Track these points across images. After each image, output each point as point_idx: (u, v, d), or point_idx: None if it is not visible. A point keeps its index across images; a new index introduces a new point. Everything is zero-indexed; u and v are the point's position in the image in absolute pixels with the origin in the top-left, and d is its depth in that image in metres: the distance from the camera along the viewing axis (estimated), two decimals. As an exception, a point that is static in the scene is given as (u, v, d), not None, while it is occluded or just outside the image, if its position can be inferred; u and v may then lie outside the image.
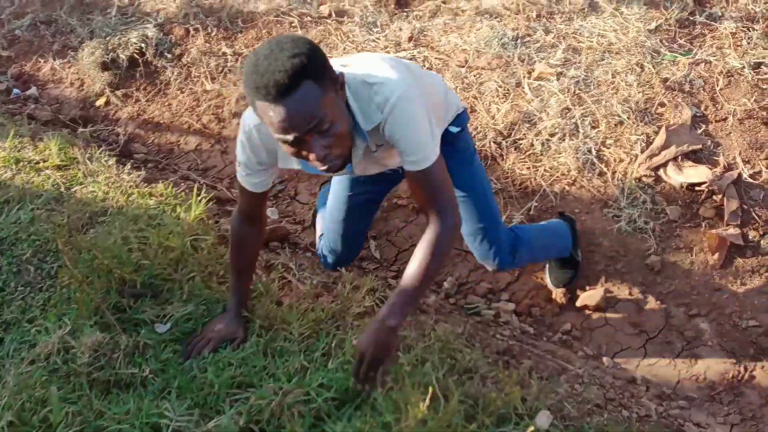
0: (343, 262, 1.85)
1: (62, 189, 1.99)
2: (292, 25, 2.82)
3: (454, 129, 1.57)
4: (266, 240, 1.93)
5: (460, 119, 1.59)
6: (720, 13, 2.59)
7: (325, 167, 1.20)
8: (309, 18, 2.85)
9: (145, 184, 2.09)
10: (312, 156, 1.17)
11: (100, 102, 2.77)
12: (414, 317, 1.67)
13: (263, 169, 1.37)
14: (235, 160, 1.38)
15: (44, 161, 2.13)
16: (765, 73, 2.35)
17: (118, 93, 2.75)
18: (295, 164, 1.35)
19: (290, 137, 1.13)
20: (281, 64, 1.07)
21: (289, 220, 2.27)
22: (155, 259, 1.65)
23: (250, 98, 1.14)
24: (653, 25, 2.55)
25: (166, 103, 2.70)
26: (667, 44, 2.49)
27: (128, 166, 2.21)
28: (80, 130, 2.59)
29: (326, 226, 1.82)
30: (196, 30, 2.83)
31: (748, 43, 2.44)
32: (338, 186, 1.72)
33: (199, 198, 1.91)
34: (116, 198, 1.95)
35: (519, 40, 2.58)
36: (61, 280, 1.60)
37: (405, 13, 2.85)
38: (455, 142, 1.57)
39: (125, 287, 1.59)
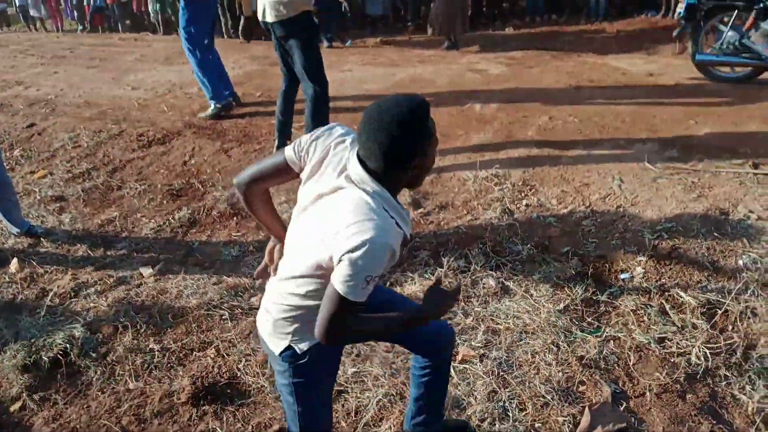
0: None
1: None
2: (223, 317, 2.89)
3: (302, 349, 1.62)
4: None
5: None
6: (619, 291, 2.85)
7: None
8: (239, 310, 2.95)
9: None
10: None
11: (15, 407, 2.62)
12: None
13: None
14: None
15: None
16: (670, 347, 2.51)
17: (36, 396, 2.62)
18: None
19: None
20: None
21: None
22: None
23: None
24: (561, 305, 2.76)
25: (85, 405, 2.57)
26: (576, 323, 2.67)
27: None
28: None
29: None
30: (125, 327, 2.85)
31: (649, 319, 2.64)
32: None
33: None
34: None
35: (441, 324, 2.71)
36: None
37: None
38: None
39: None
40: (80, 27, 11.00)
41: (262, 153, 4.36)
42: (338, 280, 1.38)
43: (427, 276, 3.04)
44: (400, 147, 1.41)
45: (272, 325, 1.65)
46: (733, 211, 3.25)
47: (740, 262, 2.90)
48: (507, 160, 3.99)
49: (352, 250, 1.34)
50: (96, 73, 6.47)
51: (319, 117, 3.92)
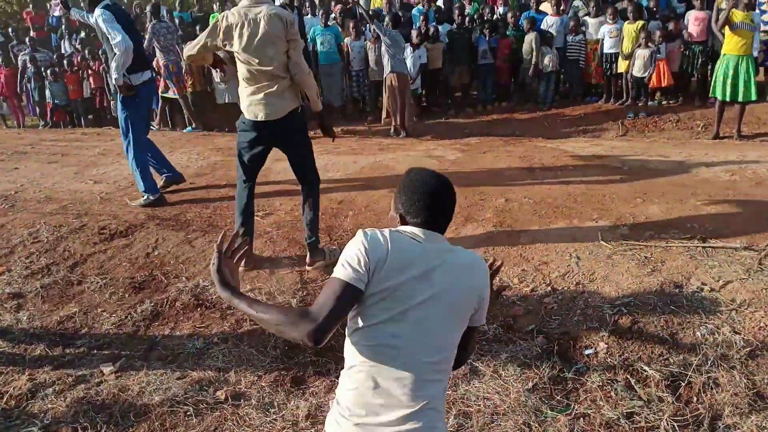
0: None
1: None
2: (187, 414, 2.80)
3: None
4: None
5: None
6: (585, 368, 2.89)
7: None
8: (204, 404, 2.87)
9: None
10: None
11: None
12: None
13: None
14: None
15: None
16: (639, 422, 2.54)
17: None
18: None
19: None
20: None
21: None
22: None
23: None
24: (530, 384, 2.78)
25: None
26: (546, 401, 2.69)
27: None
28: None
29: None
30: (84, 429, 2.73)
31: (616, 394, 2.68)
32: None
33: None
34: None
35: (412, 410, 2.69)
36: None
37: (301, 390, 2.95)
38: None
39: None
40: (42, 123, 11.05)
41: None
42: None
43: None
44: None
45: None
46: (687, 284, 3.38)
47: (698, 334, 3.00)
48: (468, 241, 4.10)
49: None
50: (58, 167, 6.47)
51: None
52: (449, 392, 2.79)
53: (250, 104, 3.73)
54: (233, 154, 6.48)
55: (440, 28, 9.09)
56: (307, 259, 3.98)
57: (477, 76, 9.25)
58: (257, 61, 3.61)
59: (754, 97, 6.83)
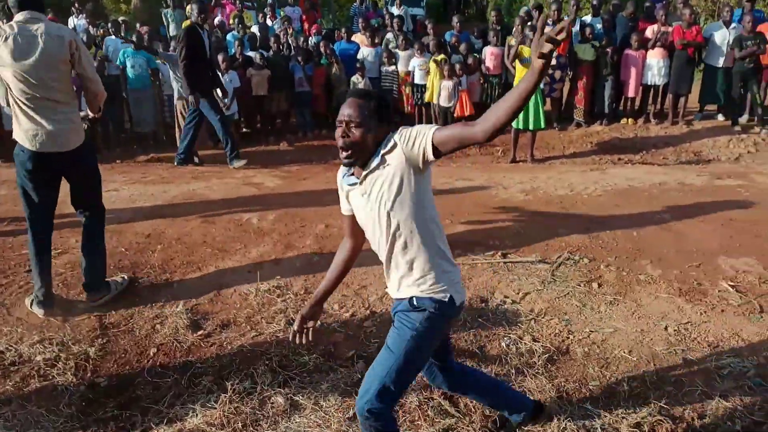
0: None
1: None
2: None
3: (423, 304, 2.11)
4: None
5: (433, 301, 2.10)
6: (404, 389, 2.93)
7: (340, 145, 2.08)
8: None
9: None
10: (337, 133, 2.09)
11: None
12: None
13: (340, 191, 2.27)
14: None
15: None
16: (457, 437, 2.61)
17: None
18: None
19: (339, 119, 2.08)
20: (366, 89, 2.27)
21: None
22: None
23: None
24: (351, 412, 2.74)
25: None
26: (367, 428, 2.66)
27: None
28: None
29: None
30: None
31: (433, 412, 2.74)
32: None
33: None
34: None
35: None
36: None
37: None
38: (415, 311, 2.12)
39: None
40: None
41: (7, 289, 3.80)
42: None
43: (210, 405, 2.82)
44: None
45: None
46: (491, 298, 3.62)
47: (503, 345, 3.20)
48: (288, 270, 4.01)
49: None
50: None
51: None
52: None
53: (29, 131, 3.33)
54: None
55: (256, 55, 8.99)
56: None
57: (295, 104, 9.28)
58: (35, 84, 3.23)
59: (543, 125, 7.66)
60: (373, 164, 2.05)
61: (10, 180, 6.07)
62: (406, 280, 2.13)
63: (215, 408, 2.79)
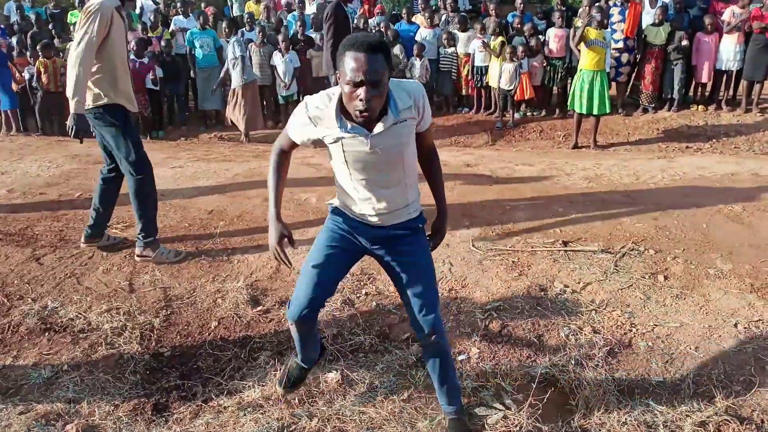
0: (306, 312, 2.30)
1: None
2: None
3: (421, 223, 2.41)
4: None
5: (424, 218, 2.43)
6: (459, 374, 2.91)
7: (365, 107, 1.93)
8: (51, 443, 2.55)
9: None
10: (363, 95, 1.92)
11: None
12: None
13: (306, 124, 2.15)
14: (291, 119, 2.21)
15: None
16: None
17: None
18: (322, 133, 2.13)
19: (358, 78, 1.90)
20: (374, 37, 1.98)
21: None
22: None
23: (342, 52, 1.94)
24: (405, 394, 2.74)
25: None
26: (421, 410, 2.66)
27: None
28: None
29: (302, 273, 2.35)
30: None
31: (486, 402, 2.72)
32: (323, 238, 2.41)
33: None
34: None
35: (285, 430, 2.56)
36: None
37: (164, 418, 2.72)
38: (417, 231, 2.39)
39: None
40: None
41: (78, 258, 3.98)
42: None
43: (269, 379, 2.88)
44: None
45: None
46: (551, 286, 3.54)
47: (562, 335, 3.13)
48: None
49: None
50: None
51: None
52: (324, 408, 2.70)
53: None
54: (90, 162, 6.01)
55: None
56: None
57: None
58: None
59: (607, 110, 7.41)
60: (391, 120, 2.07)
61: (81, 155, 6.34)
62: (407, 208, 2.32)
63: (273, 384, 2.85)
